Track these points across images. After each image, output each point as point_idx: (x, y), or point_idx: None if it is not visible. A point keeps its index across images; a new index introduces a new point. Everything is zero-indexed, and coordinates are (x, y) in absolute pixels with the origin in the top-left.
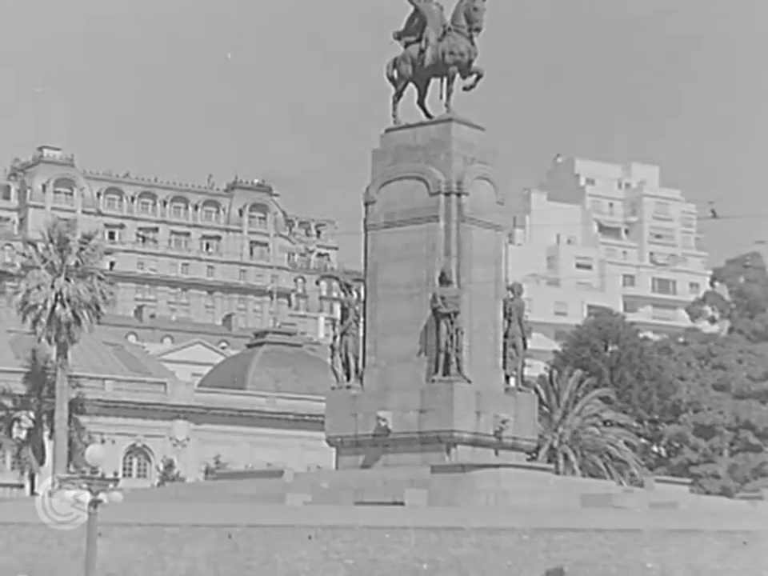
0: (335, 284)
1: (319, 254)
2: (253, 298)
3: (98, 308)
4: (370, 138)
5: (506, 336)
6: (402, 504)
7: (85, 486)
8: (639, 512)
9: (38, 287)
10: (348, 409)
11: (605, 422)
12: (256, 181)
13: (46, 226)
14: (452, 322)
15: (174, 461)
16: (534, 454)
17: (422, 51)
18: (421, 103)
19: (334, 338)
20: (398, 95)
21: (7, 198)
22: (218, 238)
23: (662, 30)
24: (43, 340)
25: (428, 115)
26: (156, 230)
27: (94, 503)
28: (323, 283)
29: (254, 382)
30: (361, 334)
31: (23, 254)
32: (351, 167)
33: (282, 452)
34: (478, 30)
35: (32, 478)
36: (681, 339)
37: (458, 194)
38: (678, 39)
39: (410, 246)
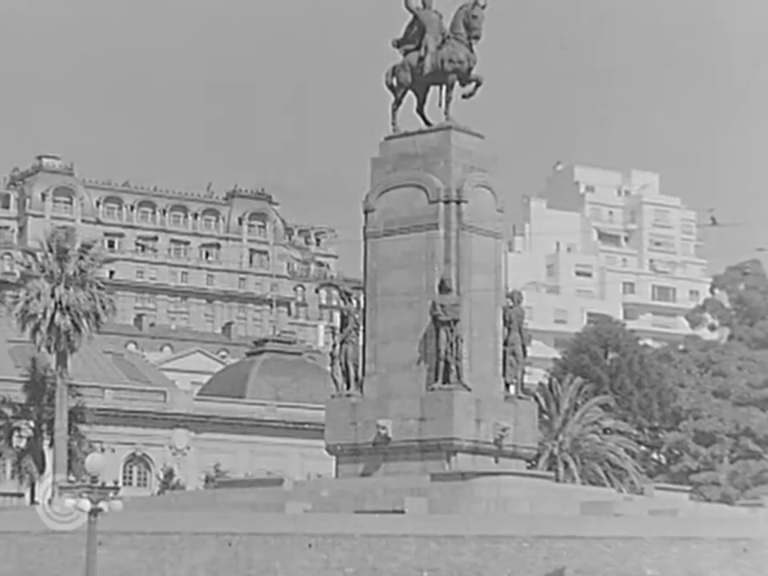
0: (335, 292)
1: (319, 263)
2: (252, 306)
3: (97, 317)
4: (370, 146)
5: (505, 344)
6: (402, 512)
7: (85, 494)
8: (639, 519)
9: (38, 296)
10: (348, 417)
11: (605, 430)
12: (255, 189)
13: (45, 234)
14: (452, 330)
15: (173, 469)
16: (534, 462)
17: (421, 59)
18: (420, 111)
19: (334, 346)
20: (397, 103)
21: (6, 207)
22: (218, 246)
23: (663, 37)
24: (43, 349)
25: (427, 123)
26: (155, 238)
27: (94, 512)
28: (323, 291)
29: (253, 391)
30: (360, 342)
31: (22, 263)
32: (351, 175)
33: (281, 460)
34: (476, 37)
35: (32, 486)
36: (681, 346)
37: (458, 202)
38: (679, 46)
39: (410, 254)
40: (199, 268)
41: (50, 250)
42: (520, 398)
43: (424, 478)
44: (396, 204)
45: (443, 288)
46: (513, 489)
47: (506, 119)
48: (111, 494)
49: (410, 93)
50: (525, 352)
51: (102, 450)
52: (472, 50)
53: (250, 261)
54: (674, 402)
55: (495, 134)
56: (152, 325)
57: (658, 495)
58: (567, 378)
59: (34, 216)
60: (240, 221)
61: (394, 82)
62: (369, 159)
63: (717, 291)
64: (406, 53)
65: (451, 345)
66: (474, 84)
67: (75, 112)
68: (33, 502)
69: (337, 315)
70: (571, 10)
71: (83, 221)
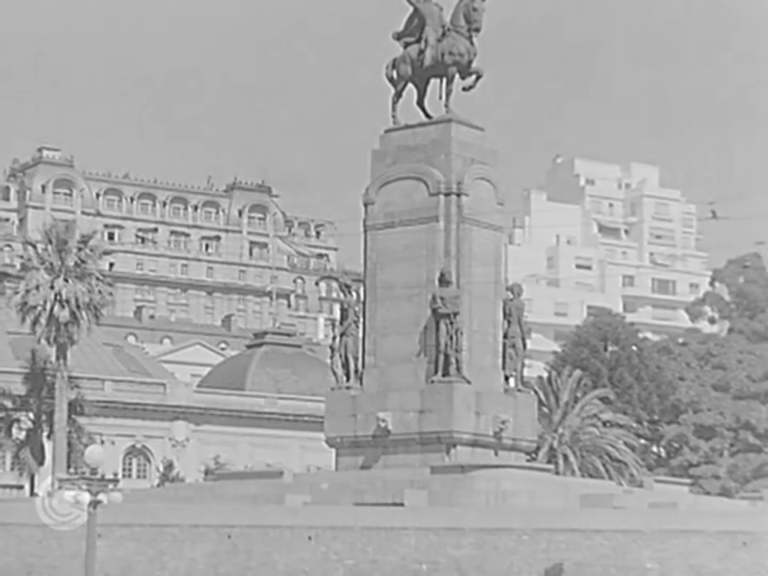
0: (335, 285)
1: (319, 255)
2: (252, 298)
3: (97, 309)
4: (370, 139)
5: (505, 336)
6: (401, 505)
7: (84, 486)
8: (639, 512)
9: (37, 288)
10: (347, 409)
11: (604, 423)
12: (256, 182)
13: (45, 226)
14: (452, 323)
15: (173, 461)
16: (534, 455)
17: (421, 52)
18: (420, 104)
19: (334, 338)
20: (398, 96)
21: (7, 198)
22: (218, 238)
23: (662, 30)
24: (42, 341)
25: (427, 116)
26: (155, 230)
27: (94, 504)
28: (323, 284)
29: (253, 383)
30: (360, 335)
31: (22, 255)
32: (351, 168)
33: (281, 453)
34: (477, 30)
35: (31, 478)
36: (680, 340)
37: (458, 195)
38: (678, 39)
39: (410, 247)
40: (199, 260)
41: (50, 242)
42: (520, 390)
43: (424, 471)
44: (396, 197)
45: (443, 281)
46: (512, 482)
47: (506, 112)
48: (111, 486)
49: (410, 85)
50: (524, 345)
51: (102, 442)
52: (472, 43)
53: (250, 253)
54: (674, 395)
55: (495, 126)
56: (152, 317)
57: (657, 488)
58: (567, 371)
59: (34, 208)
60: (240, 213)
61: (395, 74)
62: (369, 152)
63: (717, 284)
64: (406, 45)
65: (451, 337)
66: (474, 77)
67: (75, 104)
68: (32, 494)
69: (337, 308)
70: (572, 4)
71: (83, 213)
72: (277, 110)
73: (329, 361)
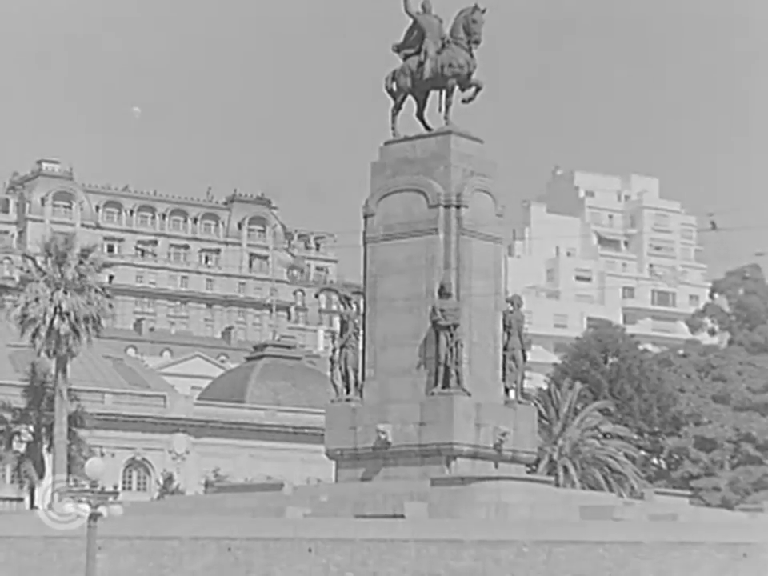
0: (334, 297)
1: (318, 267)
2: (252, 311)
3: (96, 321)
4: (370, 151)
5: (505, 348)
6: (401, 517)
7: (84, 499)
8: (639, 524)
9: (37, 300)
10: (347, 422)
11: (604, 435)
12: (255, 194)
13: (44, 239)
14: (451, 335)
15: (173, 474)
16: (534, 467)
17: (420, 64)
18: (420, 116)
19: (334, 350)
20: (397, 108)
21: (6, 211)
22: (217, 251)
23: (662, 44)
24: (42, 353)
25: (427, 128)
26: (155, 243)
27: (94, 516)
28: (322, 296)
29: (253, 395)
30: (360, 347)
31: (22, 268)
32: (351, 180)
33: (281, 465)
34: (476, 42)
35: (31, 491)
36: (680, 351)
37: (458, 207)
38: (678, 52)
39: (410, 259)
40: (199, 272)
41: (49, 255)
42: (520, 402)
43: (424, 483)
44: (396, 209)
45: (443, 293)
46: (512, 494)
47: (505, 123)
48: (111, 499)
49: (409, 97)
50: (524, 357)
51: (102, 455)
52: (472, 55)
53: (250, 265)
54: (674, 406)
55: (495, 138)
56: (152, 329)
57: (657, 500)
58: (567, 383)
59: (34, 220)
60: (240, 225)
61: (394, 86)
62: (369, 164)
63: (716, 296)
64: (405, 57)
65: (451, 350)
66: (473, 89)
67: (75, 116)
68: (32, 506)
69: (336, 320)
70: (571, 16)
71: (83, 225)
72: (277, 121)
73: (329, 373)
